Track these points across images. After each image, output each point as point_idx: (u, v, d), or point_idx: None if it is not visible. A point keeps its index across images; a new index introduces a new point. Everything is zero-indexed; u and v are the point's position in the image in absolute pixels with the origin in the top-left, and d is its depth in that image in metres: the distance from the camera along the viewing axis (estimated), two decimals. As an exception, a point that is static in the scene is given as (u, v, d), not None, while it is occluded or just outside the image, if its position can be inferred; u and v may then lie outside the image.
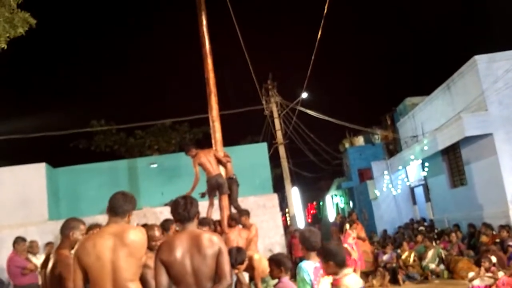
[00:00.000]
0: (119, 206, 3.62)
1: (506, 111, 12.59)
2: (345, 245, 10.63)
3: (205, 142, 8.95)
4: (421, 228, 15.73)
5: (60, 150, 19.59)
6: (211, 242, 3.47)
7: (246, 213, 8.14)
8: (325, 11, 9.72)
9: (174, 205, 3.57)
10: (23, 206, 12.28)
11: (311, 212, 34.21)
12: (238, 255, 5.57)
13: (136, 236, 3.58)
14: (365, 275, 10.72)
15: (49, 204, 12.90)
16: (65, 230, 4.15)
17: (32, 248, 8.90)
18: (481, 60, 12.96)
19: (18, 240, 8.47)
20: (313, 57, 12.75)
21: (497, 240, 10.57)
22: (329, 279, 3.87)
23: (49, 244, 9.67)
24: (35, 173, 12.92)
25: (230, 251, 5.60)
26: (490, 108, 12.64)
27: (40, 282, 7.68)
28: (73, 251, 3.57)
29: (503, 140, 12.46)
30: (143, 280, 4.04)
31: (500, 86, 12.53)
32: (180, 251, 3.41)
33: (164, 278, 3.39)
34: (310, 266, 3.99)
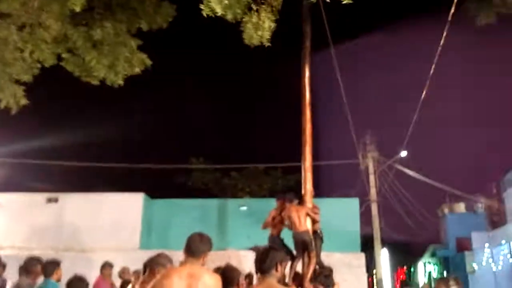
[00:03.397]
0: (196, 246, 3.75)
1: None
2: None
3: (297, 190, 8.91)
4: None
5: (159, 182, 20.58)
6: None
7: (329, 270, 7.88)
8: (432, 71, 9.39)
9: (257, 255, 3.56)
10: (117, 232, 12.94)
11: (400, 277, 32.28)
12: None
13: (211, 280, 3.68)
14: None
15: (142, 233, 13.45)
16: (154, 264, 4.32)
17: (124, 274, 8.89)
18: None
19: (106, 265, 8.74)
20: (415, 117, 12.31)
21: None
22: None
23: (135, 272, 9.88)
24: (133, 202, 13.64)
25: None
26: None
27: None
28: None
29: None
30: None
31: None
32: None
33: None
34: None
